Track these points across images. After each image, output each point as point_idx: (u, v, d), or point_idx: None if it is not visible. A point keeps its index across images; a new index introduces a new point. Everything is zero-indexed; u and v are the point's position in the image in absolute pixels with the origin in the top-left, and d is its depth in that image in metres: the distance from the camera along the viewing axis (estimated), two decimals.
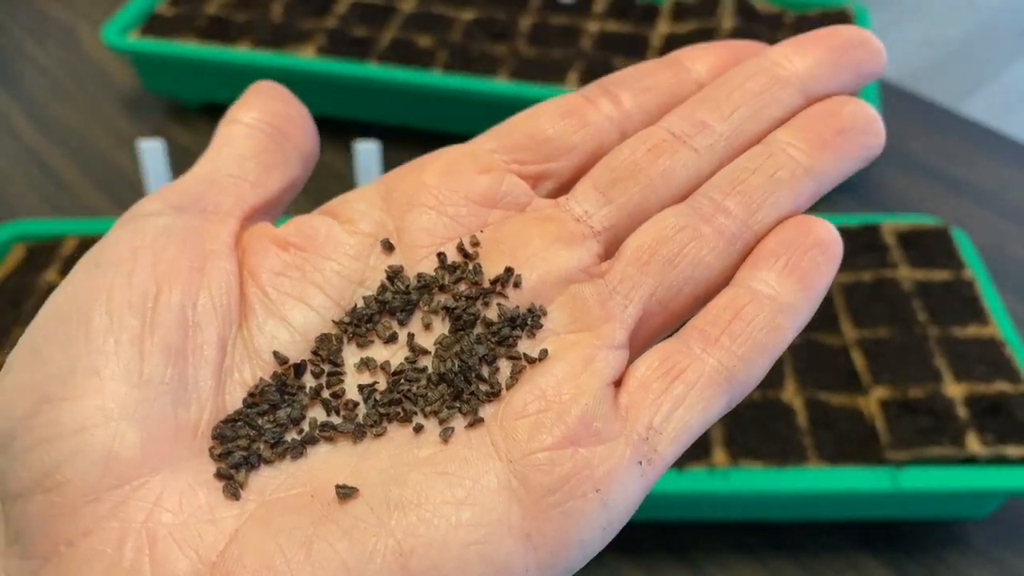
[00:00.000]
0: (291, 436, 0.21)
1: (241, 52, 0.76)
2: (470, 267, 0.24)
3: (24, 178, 0.74)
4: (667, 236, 0.24)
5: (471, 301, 0.23)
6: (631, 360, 0.23)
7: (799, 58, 0.26)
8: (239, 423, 0.21)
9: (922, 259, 0.58)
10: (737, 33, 0.78)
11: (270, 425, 0.21)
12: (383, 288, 0.23)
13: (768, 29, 0.81)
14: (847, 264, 0.58)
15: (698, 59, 0.27)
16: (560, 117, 0.26)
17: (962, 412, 0.49)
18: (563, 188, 0.26)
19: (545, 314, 0.23)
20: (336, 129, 0.74)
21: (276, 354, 0.22)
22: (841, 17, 0.80)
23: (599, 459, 0.21)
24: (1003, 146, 0.78)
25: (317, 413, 0.22)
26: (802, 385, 0.52)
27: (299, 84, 0.85)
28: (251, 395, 0.22)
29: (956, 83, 0.87)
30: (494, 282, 0.23)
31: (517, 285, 0.23)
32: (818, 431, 0.50)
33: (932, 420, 0.49)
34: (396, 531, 0.19)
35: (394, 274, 0.24)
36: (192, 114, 0.80)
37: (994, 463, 0.48)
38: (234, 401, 0.22)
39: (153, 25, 0.78)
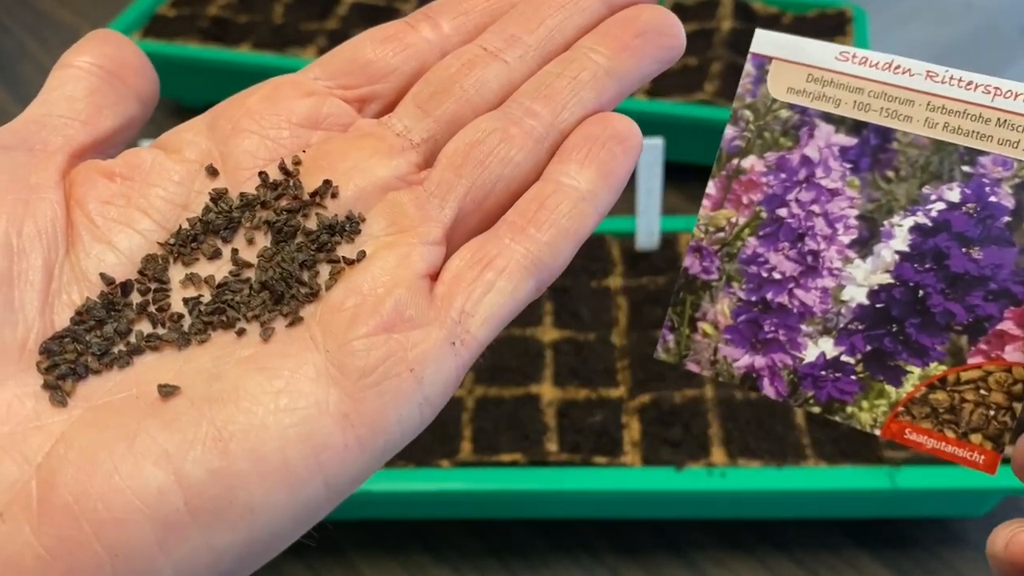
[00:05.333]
0: (118, 348, 0.22)
1: (242, 53, 0.76)
2: (291, 184, 0.25)
3: None
4: (478, 140, 0.25)
5: (291, 214, 0.25)
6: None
7: None
8: (66, 338, 0.22)
9: None
10: (736, 34, 0.78)
11: (97, 339, 0.22)
12: (207, 209, 0.25)
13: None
14: None
15: None
16: (381, 42, 0.27)
17: None
18: (388, 109, 0.27)
19: (364, 220, 0.25)
20: None
21: (103, 275, 0.23)
22: (839, 17, 0.81)
23: (412, 342, 0.22)
24: None
25: (143, 326, 0.23)
26: None
27: None
28: (78, 313, 0.23)
29: None
30: (313, 195, 0.25)
31: (335, 196, 0.25)
32: (816, 430, 0.51)
33: None
34: (216, 420, 0.21)
35: (218, 196, 0.25)
36: (193, 115, 0.80)
37: None
38: (63, 321, 0.23)
39: (155, 26, 0.79)
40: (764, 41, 0.28)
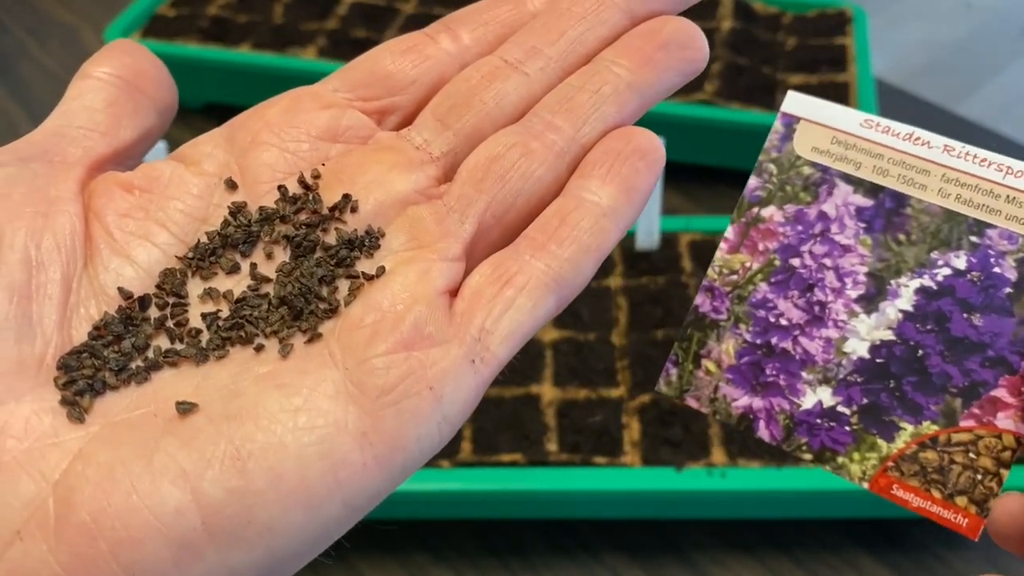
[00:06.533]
0: (136, 364, 0.22)
1: (242, 53, 0.76)
2: (310, 197, 0.25)
3: None
4: (499, 154, 0.25)
5: (310, 228, 0.24)
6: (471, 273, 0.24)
7: None
8: (84, 354, 0.22)
9: None
10: (736, 33, 0.78)
11: (115, 355, 0.22)
12: (226, 223, 0.24)
13: (767, 30, 0.81)
14: None
15: None
16: (400, 54, 0.27)
17: None
18: (407, 122, 0.27)
19: (383, 235, 0.24)
20: None
21: (121, 290, 0.23)
22: (839, 17, 0.81)
23: (432, 360, 0.22)
24: (1001, 147, 0.78)
25: (161, 342, 0.23)
26: None
27: (300, 85, 0.85)
28: (96, 328, 0.23)
29: (954, 84, 0.88)
30: (332, 209, 0.25)
31: (355, 210, 0.25)
32: None
33: None
34: (234, 438, 0.20)
35: (237, 209, 0.25)
36: (194, 115, 0.80)
37: None
38: (80, 335, 0.22)
39: (155, 26, 0.79)
40: (795, 102, 0.29)
